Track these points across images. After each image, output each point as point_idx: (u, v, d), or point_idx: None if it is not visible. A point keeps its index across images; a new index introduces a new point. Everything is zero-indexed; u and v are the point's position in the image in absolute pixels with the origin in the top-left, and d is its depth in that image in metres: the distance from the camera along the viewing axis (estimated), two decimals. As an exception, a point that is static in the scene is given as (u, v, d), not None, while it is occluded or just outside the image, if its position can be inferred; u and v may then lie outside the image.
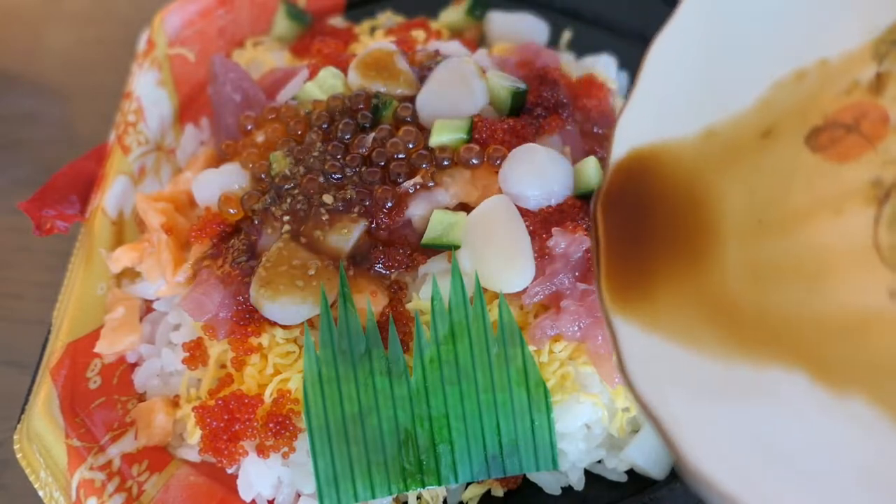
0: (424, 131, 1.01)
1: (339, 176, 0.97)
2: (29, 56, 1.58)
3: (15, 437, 0.91)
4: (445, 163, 0.97)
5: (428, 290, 0.92)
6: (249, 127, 1.07)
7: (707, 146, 0.74)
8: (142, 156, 1.15)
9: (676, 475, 0.90)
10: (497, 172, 0.97)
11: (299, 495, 0.90)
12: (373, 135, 1.00)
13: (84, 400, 0.93)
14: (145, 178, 1.14)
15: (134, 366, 0.99)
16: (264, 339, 0.91)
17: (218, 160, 1.09)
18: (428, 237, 0.93)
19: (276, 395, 0.88)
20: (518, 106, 1.03)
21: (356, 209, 0.94)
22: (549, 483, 0.91)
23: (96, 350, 0.97)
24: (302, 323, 0.90)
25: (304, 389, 0.84)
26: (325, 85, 1.09)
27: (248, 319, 0.91)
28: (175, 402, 0.95)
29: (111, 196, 1.08)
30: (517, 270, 0.90)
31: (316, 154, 0.99)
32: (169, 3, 1.29)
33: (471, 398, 0.86)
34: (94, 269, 1.03)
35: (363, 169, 0.98)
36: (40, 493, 0.88)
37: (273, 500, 0.90)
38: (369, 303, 0.89)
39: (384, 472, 0.84)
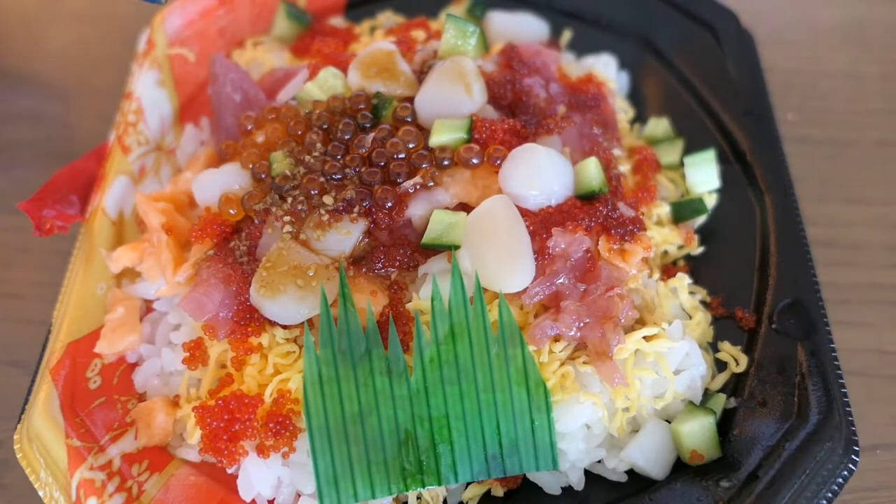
0: (424, 131, 1.01)
1: (340, 176, 0.97)
2: (29, 56, 1.58)
3: (15, 437, 0.91)
4: (445, 163, 0.97)
5: (428, 290, 0.92)
6: (249, 127, 1.07)
7: None
8: (142, 156, 1.14)
9: (676, 475, 0.90)
10: (497, 172, 0.97)
11: (299, 495, 0.90)
12: (373, 135, 1.00)
13: (84, 400, 0.93)
14: (145, 178, 1.14)
15: (134, 366, 0.99)
16: (264, 339, 0.91)
17: (218, 160, 1.09)
18: (428, 237, 0.93)
19: (276, 395, 0.88)
20: None
21: (356, 209, 0.94)
22: (549, 483, 0.91)
23: (96, 350, 0.97)
24: (302, 323, 0.90)
25: (304, 389, 0.84)
26: (325, 85, 1.09)
27: (249, 319, 0.91)
28: (175, 402, 0.95)
29: (111, 196, 1.08)
30: (517, 270, 0.90)
31: (316, 154, 0.99)
32: (169, 3, 1.29)
33: (471, 398, 0.86)
34: (94, 269, 1.03)
35: (363, 169, 0.98)
36: (40, 493, 0.88)
37: (273, 500, 0.90)
38: (369, 303, 0.89)
39: (384, 472, 0.84)
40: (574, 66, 1.24)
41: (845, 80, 1.42)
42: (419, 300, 0.92)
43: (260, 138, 1.04)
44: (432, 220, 0.93)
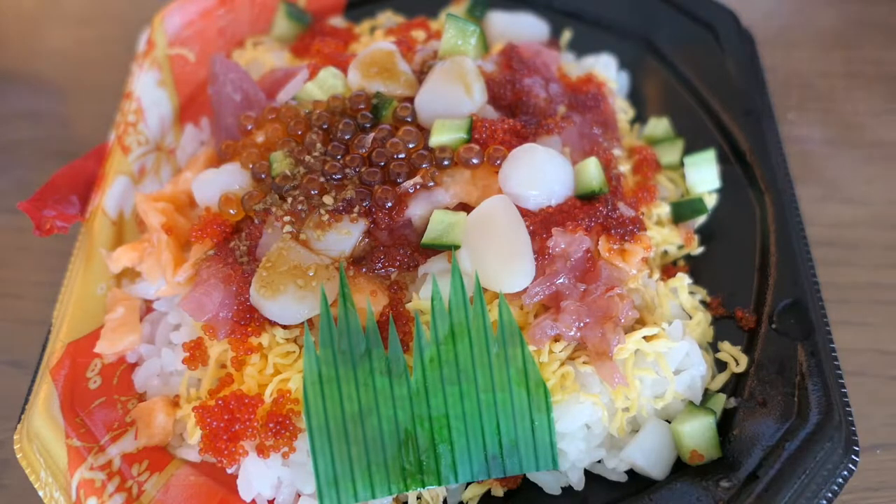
0: (424, 131, 1.01)
1: (340, 176, 0.97)
2: (29, 56, 1.58)
3: (15, 437, 0.91)
4: (445, 163, 0.97)
5: (428, 290, 0.92)
6: (249, 127, 1.07)
7: None
8: (142, 156, 1.14)
9: (676, 475, 0.90)
10: (497, 172, 0.97)
11: (299, 495, 0.90)
12: (373, 135, 1.00)
13: (84, 400, 0.93)
14: (145, 178, 1.14)
15: (134, 366, 0.99)
16: (264, 339, 0.91)
17: (218, 160, 1.09)
18: (428, 237, 0.93)
19: (276, 395, 0.88)
20: None
21: (356, 209, 0.94)
22: (549, 483, 0.91)
23: (96, 350, 0.97)
24: (302, 323, 0.90)
25: (304, 389, 0.84)
26: (325, 85, 1.09)
27: (249, 319, 0.91)
28: (175, 402, 0.95)
29: (111, 196, 1.08)
30: (517, 270, 0.90)
31: (316, 154, 0.99)
32: (169, 3, 1.29)
33: (471, 398, 0.86)
34: (94, 269, 1.03)
35: (363, 169, 0.98)
36: (40, 493, 0.88)
37: (273, 500, 0.90)
38: (369, 303, 0.89)
39: (384, 472, 0.84)
40: (574, 66, 1.24)
41: (845, 80, 1.42)
42: (419, 300, 0.92)
43: (260, 138, 1.04)
44: (432, 220, 0.93)
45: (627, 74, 1.29)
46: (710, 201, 1.12)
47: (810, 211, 1.15)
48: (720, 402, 0.94)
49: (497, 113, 1.05)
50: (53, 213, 1.03)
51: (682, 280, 1.01)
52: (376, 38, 1.26)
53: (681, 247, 1.09)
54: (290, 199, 0.95)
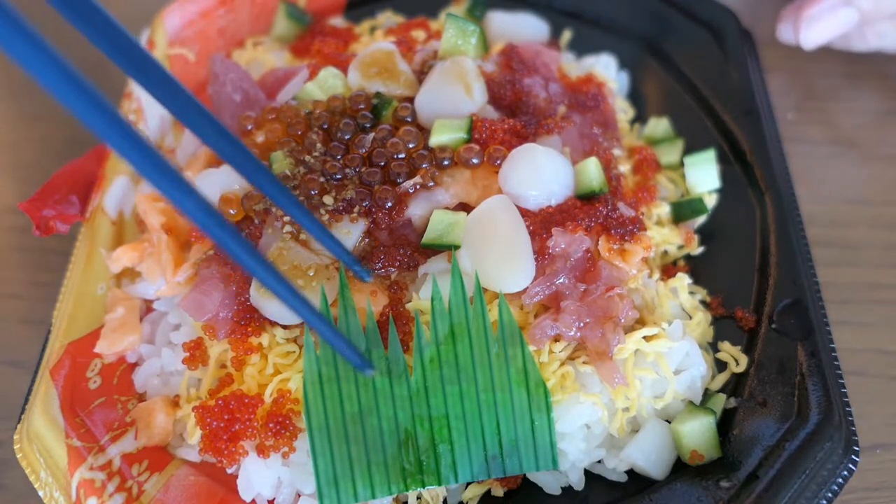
0: (424, 131, 1.01)
1: (340, 176, 0.97)
2: (29, 56, 1.58)
3: (15, 437, 0.91)
4: (445, 163, 0.97)
5: (428, 290, 0.92)
6: (249, 127, 1.07)
7: None
8: (142, 156, 1.14)
9: (676, 475, 0.90)
10: (497, 172, 0.97)
11: (299, 495, 0.90)
12: (373, 135, 1.00)
13: (84, 400, 0.93)
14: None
15: (134, 366, 0.99)
16: (264, 339, 0.91)
17: (218, 160, 1.08)
18: (428, 237, 0.93)
19: (276, 395, 0.88)
20: None
21: (356, 209, 0.94)
22: (549, 483, 0.91)
23: (96, 350, 0.97)
24: (302, 323, 0.90)
25: (304, 389, 0.84)
26: (325, 85, 1.09)
27: (249, 319, 0.91)
28: (175, 402, 0.95)
29: (111, 196, 1.08)
30: (517, 270, 0.90)
31: (316, 154, 0.99)
32: (169, 2, 1.29)
33: (471, 398, 0.86)
34: (94, 269, 1.03)
35: (363, 169, 0.98)
36: (40, 493, 0.88)
37: (273, 500, 0.90)
38: (369, 303, 0.89)
39: (384, 472, 0.84)
40: (574, 66, 1.24)
41: (845, 79, 1.42)
42: (419, 300, 0.92)
43: (260, 138, 1.04)
44: (432, 220, 0.93)
45: (627, 74, 1.29)
46: (710, 201, 1.12)
47: (810, 211, 1.15)
48: (720, 402, 0.94)
49: (497, 113, 1.05)
50: (53, 213, 1.03)
51: (682, 280, 1.01)
52: (376, 38, 1.26)
53: (681, 247, 1.09)
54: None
